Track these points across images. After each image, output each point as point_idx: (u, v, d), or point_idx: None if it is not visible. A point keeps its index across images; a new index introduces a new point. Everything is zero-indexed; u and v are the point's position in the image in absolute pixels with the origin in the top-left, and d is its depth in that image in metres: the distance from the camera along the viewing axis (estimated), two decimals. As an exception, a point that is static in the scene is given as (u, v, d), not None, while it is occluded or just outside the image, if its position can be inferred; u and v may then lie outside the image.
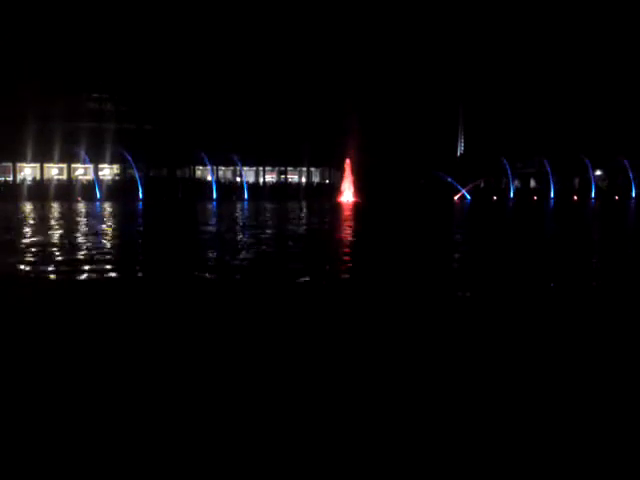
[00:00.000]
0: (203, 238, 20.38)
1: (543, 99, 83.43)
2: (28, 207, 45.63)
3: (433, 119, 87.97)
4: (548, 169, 78.03)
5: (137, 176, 75.13)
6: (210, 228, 25.73)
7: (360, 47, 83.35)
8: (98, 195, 65.77)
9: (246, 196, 73.13)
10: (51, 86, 67.13)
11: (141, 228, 26.61)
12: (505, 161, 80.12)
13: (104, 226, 26.36)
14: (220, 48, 78.42)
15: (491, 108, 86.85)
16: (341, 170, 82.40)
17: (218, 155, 77.24)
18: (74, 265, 12.70)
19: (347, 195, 67.56)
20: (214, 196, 71.02)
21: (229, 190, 74.41)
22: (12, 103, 64.75)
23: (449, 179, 73.48)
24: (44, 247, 16.24)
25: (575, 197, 75.09)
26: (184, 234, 22.60)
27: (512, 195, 77.82)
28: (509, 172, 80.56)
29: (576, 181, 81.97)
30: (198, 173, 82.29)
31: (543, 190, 78.63)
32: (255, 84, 78.15)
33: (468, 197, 73.52)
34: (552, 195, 75.98)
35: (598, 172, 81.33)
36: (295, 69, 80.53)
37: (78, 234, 20.95)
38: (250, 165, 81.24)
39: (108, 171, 74.97)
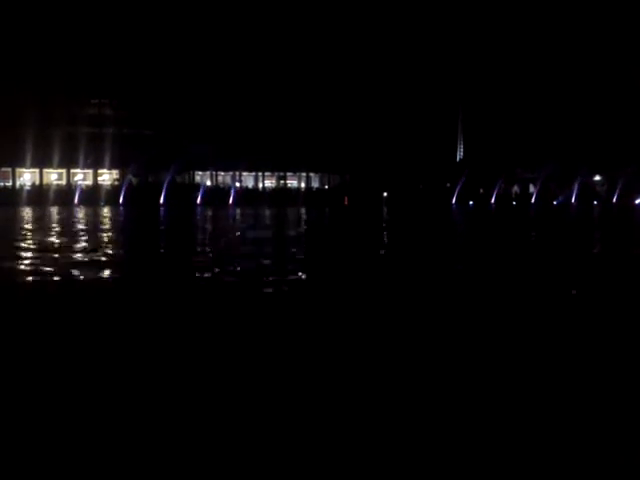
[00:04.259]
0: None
1: (543, 103, 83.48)
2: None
3: (432, 123, 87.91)
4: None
5: (133, 181, 74.61)
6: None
7: (359, 50, 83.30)
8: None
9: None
10: (50, 91, 66.76)
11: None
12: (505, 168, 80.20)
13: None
14: (219, 52, 78.20)
15: (491, 113, 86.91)
16: (341, 176, 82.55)
17: (217, 160, 76.95)
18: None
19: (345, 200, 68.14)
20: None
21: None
22: (11, 108, 64.34)
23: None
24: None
25: (573, 202, 75.33)
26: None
27: (515, 202, 77.61)
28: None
29: (575, 186, 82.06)
30: (197, 178, 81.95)
31: (544, 196, 78.62)
32: (254, 89, 77.96)
33: (470, 202, 73.67)
34: (555, 202, 75.90)
35: (597, 177, 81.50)
36: (294, 73, 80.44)
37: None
38: (250, 170, 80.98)
39: (107, 176, 74.63)
